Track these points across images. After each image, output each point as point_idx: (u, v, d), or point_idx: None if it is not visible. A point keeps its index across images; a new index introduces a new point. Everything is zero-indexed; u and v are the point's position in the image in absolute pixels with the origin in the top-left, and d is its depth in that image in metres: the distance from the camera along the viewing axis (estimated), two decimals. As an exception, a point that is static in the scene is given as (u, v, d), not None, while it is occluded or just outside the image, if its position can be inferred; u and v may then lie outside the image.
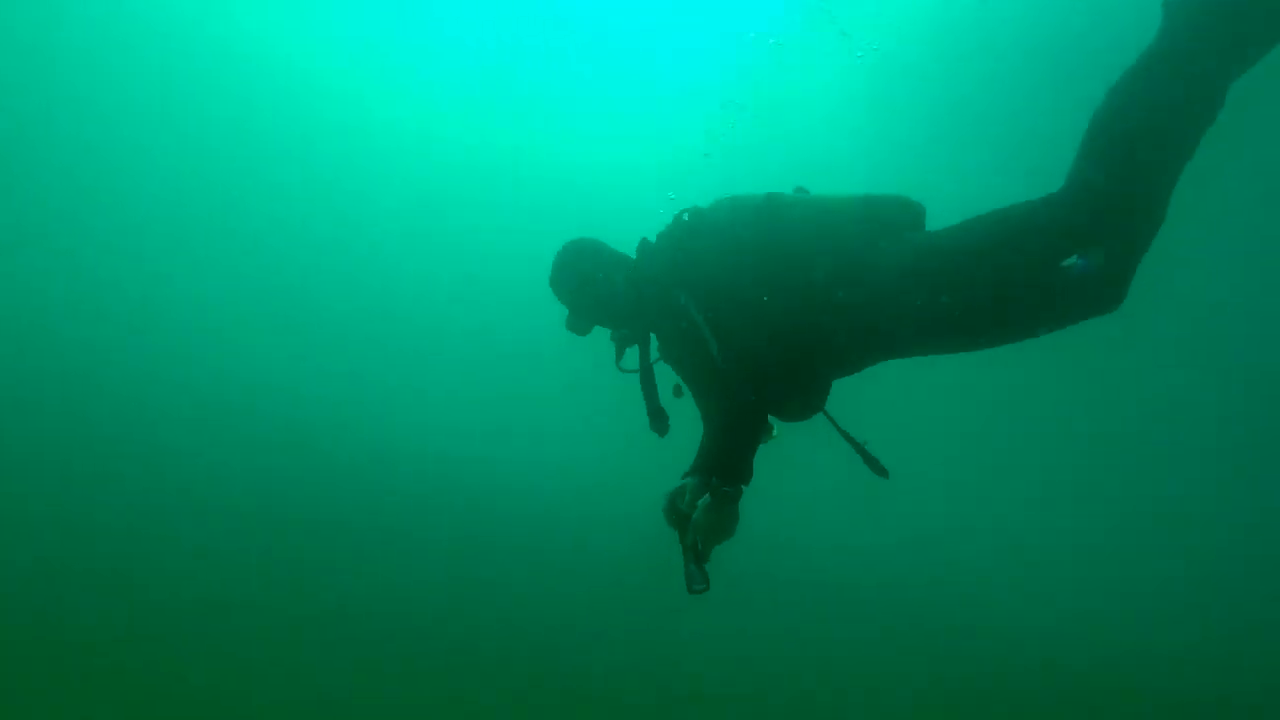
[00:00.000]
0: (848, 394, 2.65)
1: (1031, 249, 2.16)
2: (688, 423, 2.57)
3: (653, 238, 2.57)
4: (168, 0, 17.35)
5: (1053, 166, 2.32)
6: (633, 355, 2.62)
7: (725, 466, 2.22)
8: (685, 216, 2.50)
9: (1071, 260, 2.18)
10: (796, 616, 6.82)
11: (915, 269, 2.25)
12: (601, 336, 2.73)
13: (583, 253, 2.67)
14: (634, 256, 2.61)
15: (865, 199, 2.46)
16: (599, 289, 2.59)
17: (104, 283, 18.71)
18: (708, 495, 2.21)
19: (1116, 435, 18.64)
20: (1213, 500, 17.13)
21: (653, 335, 2.57)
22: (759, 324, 2.29)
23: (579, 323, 2.67)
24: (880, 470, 2.42)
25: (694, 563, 2.16)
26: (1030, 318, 2.25)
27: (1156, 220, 2.13)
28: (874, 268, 2.29)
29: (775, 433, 2.54)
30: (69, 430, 10.40)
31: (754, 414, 2.28)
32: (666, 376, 2.59)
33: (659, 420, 2.57)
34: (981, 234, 2.22)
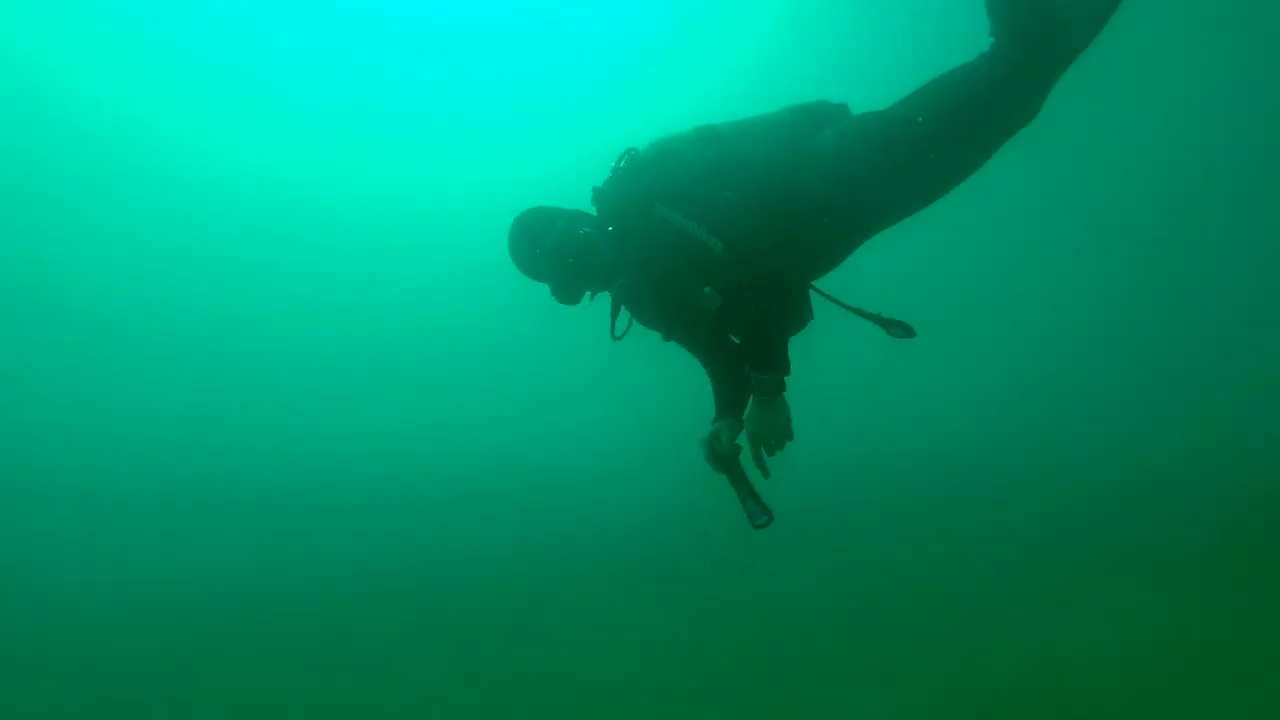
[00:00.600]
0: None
1: (989, 105, 2.22)
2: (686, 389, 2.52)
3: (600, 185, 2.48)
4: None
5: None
6: (622, 320, 2.50)
7: (759, 354, 2.17)
8: (623, 163, 2.42)
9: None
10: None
11: (872, 149, 2.27)
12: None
13: (541, 219, 2.48)
14: (590, 211, 2.51)
15: (791, 107, 2.46)
16: (578, 243, 2.40)
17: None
18: (753, 399, 2.17)
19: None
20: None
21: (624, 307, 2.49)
22: (745, 212, 2.24)
23: (567, 291, 2.46)
24: (906, 331, 2.32)
25: (751, 498, 2.12)
26: (978, 156, 2.33)
27: (1088, 31, 2.22)
28: (826, 155, 2.31)
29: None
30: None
31: (777, 290, 2.22)
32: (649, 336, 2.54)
33: (670, 332, 2.49)
34: (936, 105, 2.25)
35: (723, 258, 2.19)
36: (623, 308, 2.48)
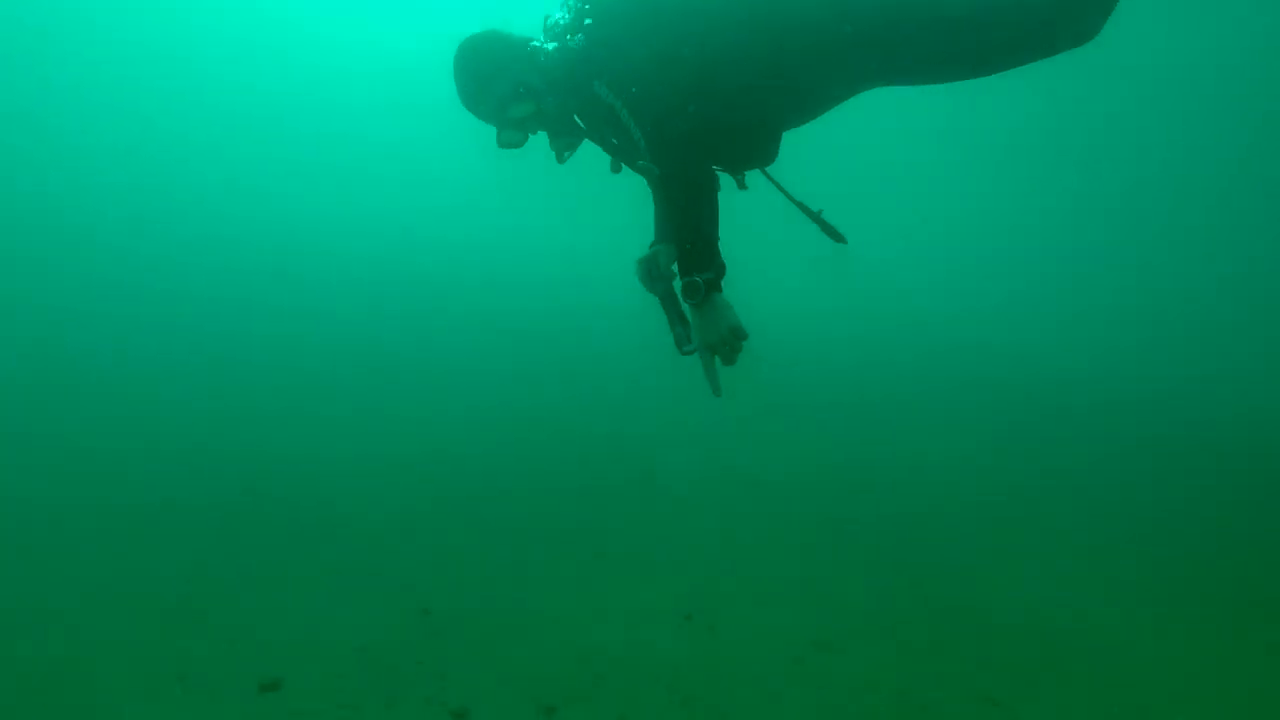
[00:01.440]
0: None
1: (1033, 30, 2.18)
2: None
3: (554, 13, 2.36)
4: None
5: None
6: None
7: (690, 251, 2.06)
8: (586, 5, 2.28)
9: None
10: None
11: (880, 35, 2.20)
12: None
13: (489, 59, 2.37)
14: (538, 41, 2.39)
15: None
16: (523, 102, 2.34)
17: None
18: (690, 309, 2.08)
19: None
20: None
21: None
22: (684, 109, 2.12)
23: (512, 137, 2.42)
24: (838, 237, 2.40)
25: (680, 324, 2.10)
26: (1007, 64, 2.27)
27: None
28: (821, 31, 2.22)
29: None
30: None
31: (696, 189, 2.13)
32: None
33: (617, 165, 2.48)
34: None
35: (643, 150, 2.16)
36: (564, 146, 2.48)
